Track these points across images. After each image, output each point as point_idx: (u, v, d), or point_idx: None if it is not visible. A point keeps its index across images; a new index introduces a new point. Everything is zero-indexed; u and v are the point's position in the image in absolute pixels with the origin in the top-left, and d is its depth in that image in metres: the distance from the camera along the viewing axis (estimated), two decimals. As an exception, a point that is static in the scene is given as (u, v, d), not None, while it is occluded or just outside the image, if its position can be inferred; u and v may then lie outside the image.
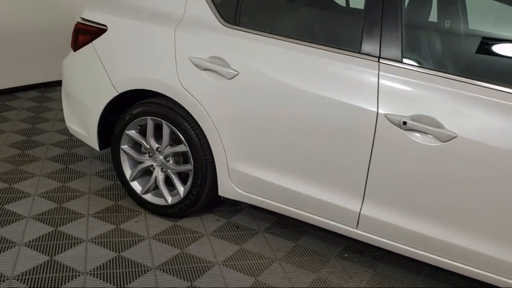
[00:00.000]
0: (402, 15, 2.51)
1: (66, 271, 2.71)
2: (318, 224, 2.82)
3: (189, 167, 3.08)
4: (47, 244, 2.91)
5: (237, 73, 2.78)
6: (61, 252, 2.86)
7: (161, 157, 3.18)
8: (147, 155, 3.25)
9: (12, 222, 3.09)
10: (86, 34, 3.27)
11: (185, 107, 2.97)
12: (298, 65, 2.69)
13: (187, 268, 2.81)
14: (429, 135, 2.39)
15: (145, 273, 2.75)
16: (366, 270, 2.94)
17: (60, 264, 2.76)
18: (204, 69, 2.86)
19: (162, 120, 3.07)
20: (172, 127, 3.04)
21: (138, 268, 2.78)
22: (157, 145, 3.18)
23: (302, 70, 2.67)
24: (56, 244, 2.92)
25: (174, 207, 3.22)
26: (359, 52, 2.57)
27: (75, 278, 2.67)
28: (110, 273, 2.72)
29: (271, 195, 2.89)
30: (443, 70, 2.43)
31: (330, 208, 2.72)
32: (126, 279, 2.69)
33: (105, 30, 3.17)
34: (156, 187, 3.28)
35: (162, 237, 3.07)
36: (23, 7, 5.21)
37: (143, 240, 3.03)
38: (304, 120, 2.67)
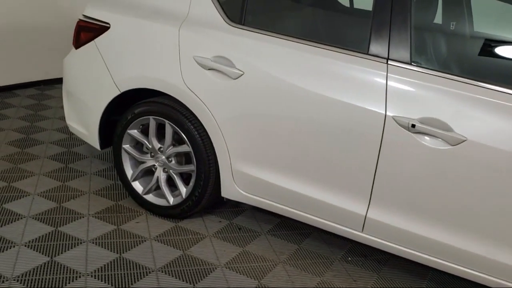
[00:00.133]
0: (411, 16, 2.47)
1: (66, 272, 2.66)
2: (323, 227, 2.79)
3: (192, 167, 3.04)
4: (47, 244, 2.87)
5: (242, 73, 2.74)
6: (62, 252, 2.81)
7: (163, 157, 3.14)
8: (149, 155, 3.20)
9: (11, 222, 3.04)
10: (88, 31, 3.22)
11: (189, 107, 2.93)
12: (304, 66, 2.65)
13: (190, 270, 2.77)
14: (438, 138, 2.36)
15: (147, 275, 2.70)
16: (370, 274, 2.90)
17: (61, 265, 2.71)
18: (209, 69, 2.82)
19: (165, 120, 3.02)
20: (175, 127, 3.00)
21: (140, 270, 2.74)
22: (159, 145, 3.14)
23: (308, 71, 2.64)
24: (56, 244, 2.88)
25: (176, 208, 3.17)
26: (367, 53, 2.53)
27: (76, 279, 2.62)
28: (111, 274, 2.68)
29: (275, 197, 2.85)
30: (452, 73, 2.40)
31: (336, 211, 2.69)
32: (128, 281, 2.65)
33: (107, 28, 3.12)
34: (157, 187, 3.24)
35: (163, 238, 3.03)
36: (23, 5, 5.15)
37: (145, 241, 2.99)
38: (310, 121, 2.63)
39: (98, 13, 3.20)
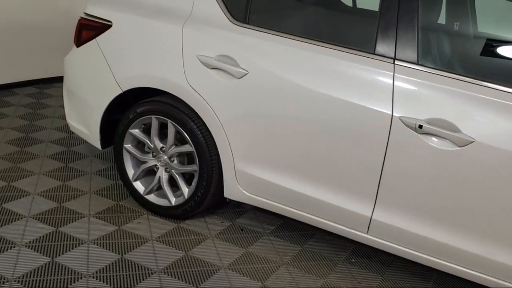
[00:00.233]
0: (419, 16, 2.45)
1: (68, 273, 2.63)
2: (327, 228, 2.76)
3: (195, 167, 3.01)
4: (48, 245, 2.83)
5: (246, 72, 2.71)
6: (63, 253, 2.78)
7: (166, 157, 3.10)
8: (150, 154, 3.17)
9: (11, 222, 3.00)
10: (89, 30, 3.19)
11: (192, 106, 2.90)
12: (309, 65, 2.62)
13: (192, 271, 2.74)
14: (445, 139, 2.33)
15: (149, 276, 2.67)
16: (374, 275, 2.88)
17: (62, 266, 2.68)
18: (212, 68, 2.78)
19: (167, 119, 2.99)
20: (178, 126, 2.96)
21: (142, 271, 2.70)
22: (161, 145, 3.10)
23: (313, 70, 2.61)
24: (57, 245, 2.84)
25: (178, 209, 3.14)
26: (373, 53, 2.50)
27: (78, 280, 2.59)
28: (113, 276, 2.65)
29: (279, 198, 2.82)
30: (460, 73, 2.36)
31: (341, 213, 2.66)
32: (130, 282, 2.61)
33: (109, 26, 3.09)
34: (159, 187, 3.21)
35: (165, 239, 3.00)
36: (22, 3, 5.11)
37: (146, 242, 2.95)
38: (315, 121, 2.60)
39: (100, 11, 3.16)
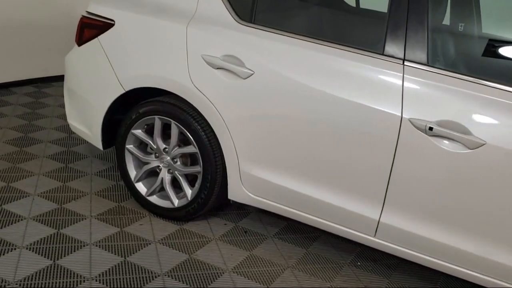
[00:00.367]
0: (429, 16, 2.41)
1: (70, 276, 2.58)
2: (334, 232, 2.72)
3: (198, 169, 2.97)
4: (49, 247, 2.78)
5: (252, 72, 2.67)
6: (64, 256, 2.73)
7: (168, 158, 3.06)
8: (153, 155, 3.12)
9: (11, 223, 2.95)
10: (91, 28, 3.14)
11: (196, 106, 2.85)
12: (316, 65, 2.58)
13: (197, 274, 2.70)
14: (456, 142, 2.29)
15: (153, 279, 2.63)
16: (380, 279, 2.84)
17: (64, 268, 2.63)
18: (218, 68, 2.74)
19: (171, 120, 2.94)
20: (181, 127, 2.92)
21: (145, 274, 2.66)
22: (164, 146, 3.06)
23: (320, 71, 2.57)
24: (58, 247, 2.79)
25: (181, 210, 3.10)
26: (382, 54, 2.46)
27: (80, 284, 2.54)
28: (116, 279, 2.60)
29: (285, 200, 2.78)
30: (471, 74, 2.33)
31: (348, 215, 2.62)
32: (134, 286, 2.57)
33: (112, 25, 3.04)
34: (161, 189, 3.16)
35: (168, 241, 2.95)
36: (20, 2, 5.05)
37: (149, 244, 2.91)
38: (322, 122, 2.56)
39: (102, 10, 3.12)
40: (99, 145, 3.26)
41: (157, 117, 2.99)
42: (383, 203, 2.52)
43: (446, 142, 2.31)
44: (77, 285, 2.53)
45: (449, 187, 2.36)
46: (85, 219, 3.08)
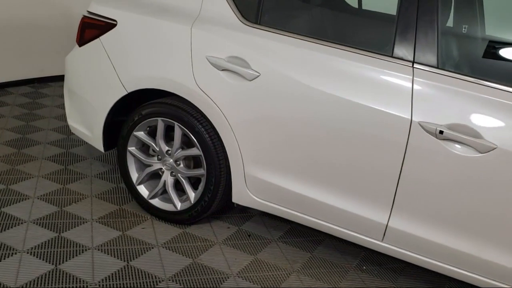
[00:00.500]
0: (439, 18, 2.38)
1: (73, 281, 2.53)
2: (340, 236, 2.68)
3: (201, 171, 2.92)
4: (50, 251, 2.73)
5: (258, 74, 2.63)
6: (66, 260, 2.68)
7: (171, 160, 3.01)
8: (155, 158, 3.08)
9: (11, 227, 2.90)
10: (93, 28, 3.09)
11: (201, 108, 2.81)
12: (323, 67, 2.55)
13: (201, 279, 2.65)
14: (467, 146, 2.26)
15: (157, 284, 2.58)
16: (386, 283, 2.81)
17: (66, 273, 2.58)
18: (223, 69, 2.70)
19: (174, 122, 2.90)
20: (185, 129, 2.87)
21: (149, 279, 2.61)
22: (167, 148, 3.01)
23: (328, 73, 2.53)
24: (60, 251, 2.74)
25: (183, 214, 3.05)
26: (391, 56, 2.43)
27: (83, 289, 2.50)
28: (120, 284, 2.55)
29: (291, 204, 2.74)
30: (481, 77, 2.30)
31: (355, 220, 2.58)
32: (138, 291, 2.53)
33: (114, 25, 2.99)
34: (163, 191, 3.12)
35: (171, 245, 2.91)
36: (17, 1, 4.98)
37: (152, 248, 2.86)
38: (329, 125, 2.53)
39: (104, 10, 3.07)
40: (100, 147, 3.21)
41: (160, 119, 2.95)
42: (392, 207, 2.49)
43: (456, 146, 2.28)
44: (80, 290, 2.49)
45: (459, 192, 2.33)
46: (86, 222, 3.03)
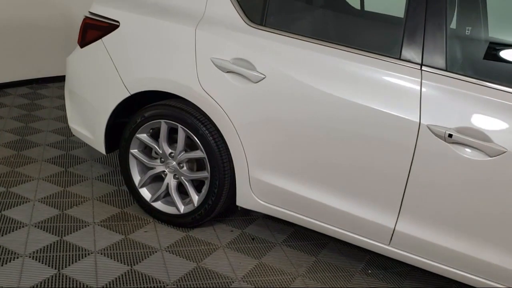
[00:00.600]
0: (447, 20, 2.36)
1: (76, 286, 2.49)
2: (346, 240, 2.66)
3: (205, 174, 2.89)
4: (53, 255, 2.69)
5: (264, 76, 2.60)
6: (69, 264, 2.64)
7: (174, 163, 2.98)
8: (158, 160, 3.04)
9: (13, 230, 2.86)
10: (95, 29, 3.05)
11: (205, 111, 2.78)
12: (330, 70, 2.52)
13: (207, 284, 2.62)
14: (476, 149, 2.24)
15: (162, 289, 2.55)
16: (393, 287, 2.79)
17: (70, 278, 2.54)
18: (228, 71, 2.67)
19: (177, 124, 2.87)
20: (189, 131, 2.84)
21: (154, 284, 2.58)
22: (170, 150, 2.98)
23: (335, 75, 2.50)
24: (62, 255, 2.70)
25: (187, 217, 3.02)
26: (399, 58, 2.40)
27: (87, 294, 2.46)
28: (124, 289, 2.52)
29: (296, 207, 2.71)
30: (491, 80, 2.27)
31: (362, 223, 2.56)
32: (142, 296, 2.49)
33: (117, 26, 2.96)
34: (166, 194, 3.08)
35: (175, 249, 2.87)
36: (15, 1, 4.93)
37: (155, 252, 2.83)
38: (336, 128, 2.50)
39: (106, 10, 3.03)
40: (102, 149, 3.17)
41: (163, 121, 2.92)
42: (399, 211, 2.46)
43: (465, 149, 2.26)
44: (83, 295, 2.45)
45: (468, 196, 2.30)
46: (88, 225, 2.99)
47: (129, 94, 2.94)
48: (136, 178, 3.12)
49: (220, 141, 2.80)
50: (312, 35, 2.60)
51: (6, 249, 2.69)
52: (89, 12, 3.10)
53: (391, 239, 2.52)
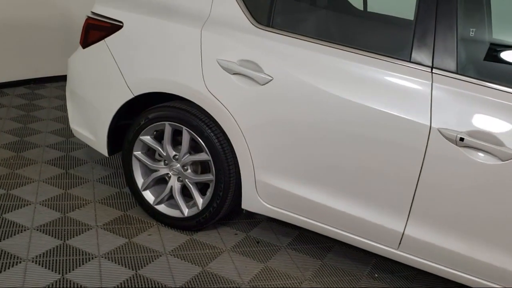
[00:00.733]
0: (458, 23, 2.33)
1: (81, 291, 2.46)
2: (354, 243, 2.63)
3: (210, 177, 2.86)
4: (56, 259, 2.65)
5: (271, 78, 2.56)
6: (73, 269, 2.60)
7: (178, 165, 2.94)
8: (162, 162, 3.00)
9: (14, 234, 2.81)
10: (98, 30, 3.01)
11: (210, 113, 2.74)
12: (338, 72, 2.49)
13: (212, 289, 2.59)
14: (488, 153, 2.21)
15: (168, 294, 2.52)
16: (400, 292, 2.77)
17: (74, 283, 2.50)
18: (234, 73, 2.63)
19: (182, 126, 2.83)
20: (194, 134, 2.80)
21: (159, 288, 2.55)
22: (174, 153, 2.94)
23: (343, 78, 2.47)
24: (66, 260, 2.66)
25: (191, 220, 2.98)
26: (409, 61, 2.38)
27: (92, 300, 2.42)
28: (129, 294, 2.48)
29: (303, 210, 2.68)
30: (502, 83, 2.25)
31: (370, 227, 2.53)
32: (148, 302, 2.45)
33: (120, 27, 2.91)
34: (170, 197, 3.04)
35: (179, 253, 2.84)
36: (13, 1, 4.87)
37: (160, 256, 2.79)
38: (344, 131, 2.47)
39: (109, 11, 2.98)
40: (104, 151, 3.13)
41: (167, 123, 2.88)
42: (408, 215, 2.44)
43: (477, 153, 2.23)
44: (88, 301, 2.41)
45: (479, 200, 2.28)
46: (91, 229, 2.95)
47: (132, 96, 2.90)
48: (139, 180, 3.08)
49: (226, 144, 2.77)
50: (320, 37, 2.57)
51: (8, 253, 2.65)
52: (92, 12, 3.06)
53: (400, 243, 2.50)
